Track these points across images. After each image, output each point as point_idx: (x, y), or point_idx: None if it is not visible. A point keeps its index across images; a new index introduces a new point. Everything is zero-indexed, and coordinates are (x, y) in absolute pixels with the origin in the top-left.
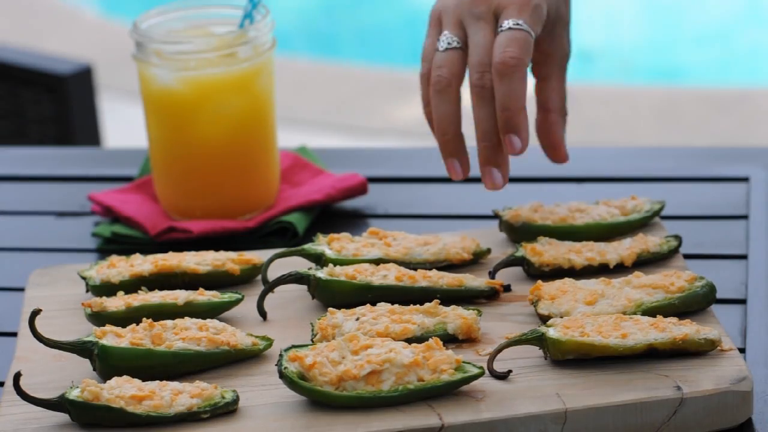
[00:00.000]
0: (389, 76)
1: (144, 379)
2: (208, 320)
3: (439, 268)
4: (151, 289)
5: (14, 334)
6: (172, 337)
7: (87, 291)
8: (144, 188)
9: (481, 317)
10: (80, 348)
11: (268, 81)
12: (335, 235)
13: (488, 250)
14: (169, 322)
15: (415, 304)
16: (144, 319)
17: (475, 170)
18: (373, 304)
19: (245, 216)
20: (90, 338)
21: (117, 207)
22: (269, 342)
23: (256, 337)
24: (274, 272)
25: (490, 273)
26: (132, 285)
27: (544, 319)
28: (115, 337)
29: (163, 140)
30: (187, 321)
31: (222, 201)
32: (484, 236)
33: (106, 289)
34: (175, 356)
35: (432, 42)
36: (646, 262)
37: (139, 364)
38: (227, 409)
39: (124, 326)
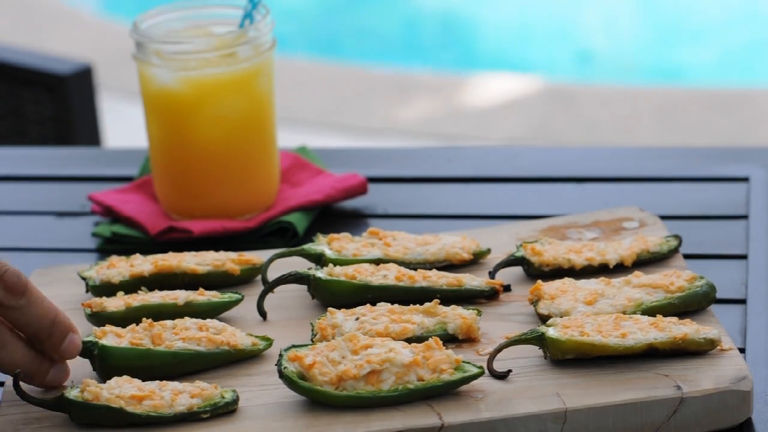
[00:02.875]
0: (389, 76)
1: (144, 379)
2: (208, 320)
3: (439, 268)
4: (151, 289)
5: None
6: (172, 337)
7: (87, 291)
8: (144, 188)
9: (480, 317)
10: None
11: (268, 81)
12: (335, 235)
13: (488, 250)
14: (168, 322)
15: (414, 304)
16: (144, 319)
17: (480, 171)
18: (373, 304)
19: (245, 216)
20: (90, 338)
21: (117, 207)
22: (269, 342)
23: (256, 337)
24: (274, 272)
25: (490, 273)
26: (132, 285)
27: (543, 319)
28: (115, 337)
29: (163, 140)
30: (187, 321)
31: (222, 201)
32: (484, 236)
33: (106, 289)
34: (175, 356)
35: None
36: (646, 261)
37: (139, 364)
38: (227, 409)
39: (124, 326)
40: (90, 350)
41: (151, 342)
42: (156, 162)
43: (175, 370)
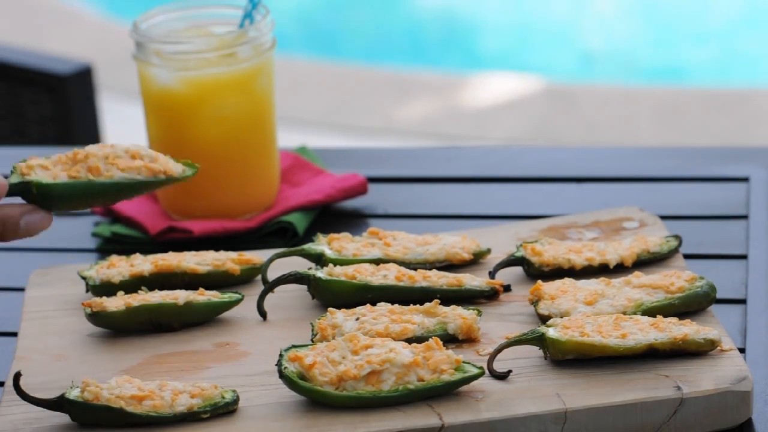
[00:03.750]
0: (389, 76)
1: (78, 208)
2: (139, 147)
3: (439, 268)
4: (151, 288)
5: (14, 334)
6: (109, 167)
7: (87, 291)
8: None
9: (481, 317)
10: (16, 190)
11: (268, 81)
12: (335, 235)
13: (488, 250)
14: (99, 152)
15: (415, 304)
16: (76, 151)
17: (480, 171)
18: (373, 304)
19: (245, 216)
20: (17, 178)
21: (117, 207)
22: (194, 168)
23: (182, 163)
24: (274, 272)
25: (490, 273)
26: (132, 285)
27: (544, 319)
28: (43, 171)
29: (163, 140)
30: (117, 149)
31: (222, 201)
32: (484, 236)
33: (106, 289)
34: (117, 186)
35: None
36: (646, 262)
37: (82, 196)
38: (227, 409)
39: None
40: (26, 189)
41: (88, 174)
42: None
43: (114, 198)
